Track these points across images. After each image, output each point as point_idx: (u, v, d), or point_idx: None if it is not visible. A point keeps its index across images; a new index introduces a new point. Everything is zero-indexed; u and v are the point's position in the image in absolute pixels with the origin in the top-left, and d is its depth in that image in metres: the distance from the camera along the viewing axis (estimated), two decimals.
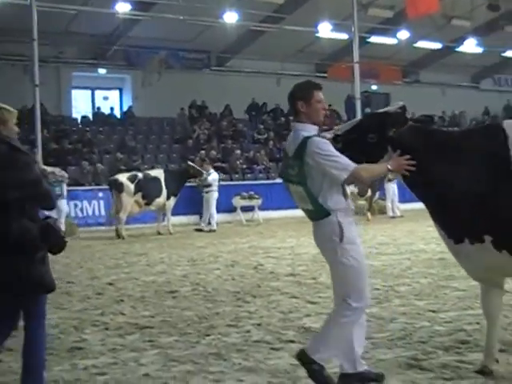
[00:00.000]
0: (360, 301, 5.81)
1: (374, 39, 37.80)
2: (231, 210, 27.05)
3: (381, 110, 6.48)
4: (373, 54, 38.39)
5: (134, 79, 36.28)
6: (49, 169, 20.93)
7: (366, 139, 6.07)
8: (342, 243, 5.75)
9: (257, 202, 27.03)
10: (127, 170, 25.20)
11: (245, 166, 31.84)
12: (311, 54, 39.75)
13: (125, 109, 36.23)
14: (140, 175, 22.28)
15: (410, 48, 39.82)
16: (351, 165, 5.72)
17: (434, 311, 8.77)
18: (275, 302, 9.72)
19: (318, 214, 5.88)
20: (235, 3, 31.58)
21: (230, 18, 32.01)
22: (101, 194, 25.78)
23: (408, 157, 5.87)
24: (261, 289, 10.90)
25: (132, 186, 21.62)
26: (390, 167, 5.87)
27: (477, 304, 8.90)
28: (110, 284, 11.83)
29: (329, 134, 6.19)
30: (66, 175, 22.53)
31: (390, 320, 8.36)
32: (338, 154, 5.77)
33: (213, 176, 23.83)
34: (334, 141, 5.99)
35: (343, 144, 6.00)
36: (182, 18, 30.23)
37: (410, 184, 6.18)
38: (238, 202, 26.84)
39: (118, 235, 21.30)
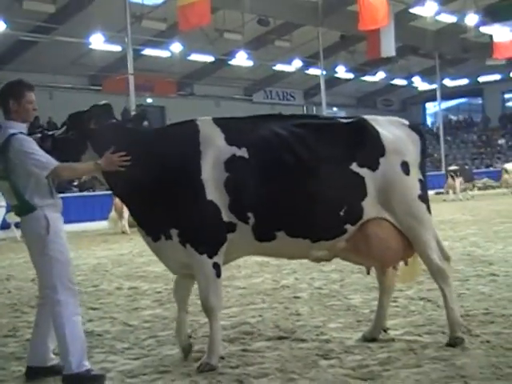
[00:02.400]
0: (66, 290, 5.94)
1: (147, 52, 38.08)
2: (4, 227, 25.97)
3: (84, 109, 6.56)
4: (147, 66, 38.64)
5: None
6: None
7: (68, 137, 6.31)
8: (49, 236, 5.89)
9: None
10: None
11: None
12: (84, 66, 39.27)
13: None
14: None
15: (184, 61, 40.45)
16: (52, 163, 5.88)
17: None
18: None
19: (24, 209, 6.00)
20: (3, 11, 30.37)
21: None
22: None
23: (122, 153, 6.05)
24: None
25: None
26: (100, 164, 6.05)
27: (258, 299, 9.33)
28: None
29: (37, 134, 6.39)
30: None
31: (174, 319, 8.38)
32: (40, 152, 5.90)
33: None
34: (42, 140, 6.20)
35: (52, 143, 6.23)
36: None
37: (114, 187, 6.46)
38: (11, 217, 25.81)
39: None
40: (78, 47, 35.63)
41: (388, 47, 35.27)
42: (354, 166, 6.30)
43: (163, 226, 6.18)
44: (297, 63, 44.98)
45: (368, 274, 7.07)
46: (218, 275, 6.16)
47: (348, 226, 6.30)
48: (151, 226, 6.30)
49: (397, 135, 6.58)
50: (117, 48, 35.20)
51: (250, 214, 6.08)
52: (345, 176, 6.28)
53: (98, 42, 34.48)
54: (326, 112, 44.14)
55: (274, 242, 6.20)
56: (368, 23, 32.12)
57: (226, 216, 6.07)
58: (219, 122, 6.43)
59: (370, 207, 6.34)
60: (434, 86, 53.29)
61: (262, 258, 13.76)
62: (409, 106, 64.53)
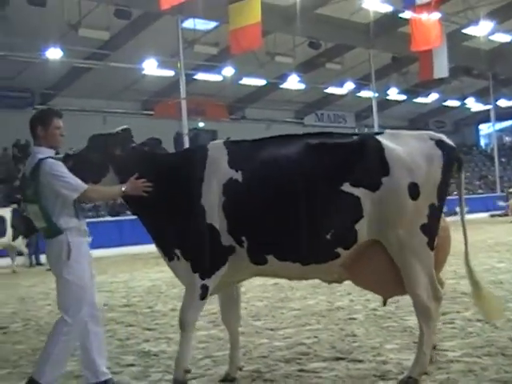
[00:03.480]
0: (75, 315, 6.12)
1: (200, 76, 38.44)
2: None
3: (105, 132, 6.81)
4: (199, 90, 38.96)
5: None
6: None
7: (90, 159, 6.49)
8: (69, 261, 6.12)
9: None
10: None
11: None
12: (137, 91, 39.78)
13: None
14: None
15: (236, 84, 40.76)
16: (82, 186, 6.13)
17: (272, 329, 8.97)
18: (112, 331, 9.55)
19: (51, 232, 6.21)
20: (59, 39, 31.04)
21: (54, 54, 31.43)
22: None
23: (144, 180, 6.26)
24: None
25: None
26: (123, 189, 6.26)
27: (313, 320, 9.30)
28: None
29: (60, 155, 6.70)
30: None
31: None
32: (70, 175, 6.14)
33: None
34: (64, 160, 6.41)
35: (73, 163, 6.42)
36: (2, 53, 29.41)
37: (132, 207, 6.65)
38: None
39: None
40: (132, 73, 36.18)
41: (441, 68, 34.98)
42: (347, 186, 5.95)
43: (170, 246, 6.36)
44: (348, 85, 44.97)
45: (384, 305, 6.90)
46: (203, 297, 6.25)
47: (340, 250, 6.01)
48: (162, 246, 6.49)
49: (411, 153, 6.05)
50: (169, 73, 35.56)
51: (243, 238, 6.11)
52: (335, 197, 5.98)
53: (150, 67, 34.95)
54: None
55: (267, 265, 6.18)
56: (420, 44, 31.95)
57: (226, 239, 6.13)
58: (230, 145, 6.48)
59: (367, 230, 5.98)
60: (487, 107, 52.71)
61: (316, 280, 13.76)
62: (462, 127, 63.88)
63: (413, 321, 8.70)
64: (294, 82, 42.07)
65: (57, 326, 6.19)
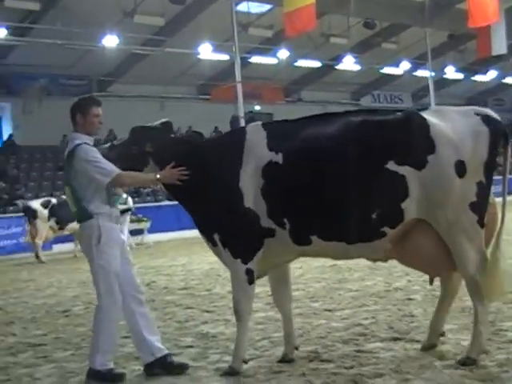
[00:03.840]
0: (108, 298, 6.38)
1: (255, 59, 38.34)
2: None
3: (146, 125, 6.96)
4: (254, 74, 38.83)
5: (14, 107, 35.51)
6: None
7: (131, 150, 6.63)
8: (99, 245, 6.34)
9: (145, 225, 26.75)
10: (11, 199, 24.74)
11: (132, 189, 31.49)
12: (194, 76, 39.88)
13: (5, 137, 35.32)
14: (53, 200, 22.04)
15: (291, 67, 40.59)
16: (115, 171, 6.33)
17: (329, 310, 8.97)
18: (171, 314, 9.69)
19: (82, 216, 6.49)
20: (115, 27, 31.34)
21: (110, 41, 31.76)
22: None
23: (181, 168, 6.32)
24: (155, 303, 10.82)
25: (46, 212, 21.51)
26: (158, 177, 6.40)
27: (371, 301, 9.28)
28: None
29: (106, 144, 7.01)
30: None
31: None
32: (104, 161, 6.34)
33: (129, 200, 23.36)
34: (109, 149, 6.69)
35: (117, 153, 6.62)
36: (60, 42, 29.80)
37: (173, 194, 6.79)
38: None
39: (38, 259, 21.42)
40: (187, 58, 36.32)
41: (499, 44, 34.31)
42: (392, 165, 5.84)
43: (210, 232, 6.42)
44: (404, 65, 44.43)
45: (431, 284, 6.79)
46: (251, 282, 6.30)
47: (386, 229, 5.95)
48: (204, 231, 6.55)
49: (458, 129, 5.89)
50: (224, 57, 35.66)
51: (285, 220, 6.09)
52: (379, 176, 5.88)
53: (206, 51, 35.07)
54: None
55: (311, 245, 6.17)
56: (478, 20, 31.38)
57: (265, 222, 6.14)
58: (268, 126, 6.46)
59: (414, 209, 5.88)
60: None
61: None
62: None
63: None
64: (349, 63, 41.72)
65: (95, 314, 6.52)
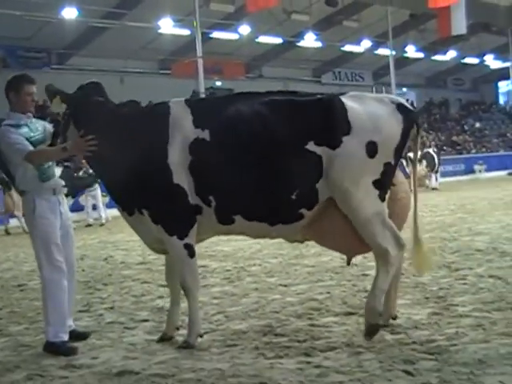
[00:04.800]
0: (50, 269, 6.49)
1: (216, 35, 38.19)
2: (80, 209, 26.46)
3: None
4: (216, 49, 38.72)
5: None
6: None
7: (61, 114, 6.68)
8: (35, 217, 6.50)
9: (104, 200, 26.53)
10: None
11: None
12: (154, 50, 39.62)
13: None
14: None
15: (253, 43, 40.47)
16: (26, 150, 6.38)
17: (285, 285, 9.03)
18: (127, 288, 9.68)
19: (20, 192, 6.74)
20: None
21: (70, 13, 31.44)
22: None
23: (90, 137, 6.17)
24: (112, 277, 10.83)
25: None
26: (66, 148, 6.34)
27: (327, 276, 9.36)
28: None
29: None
30: None
31: (243, 295, 8.54)
32: (18, 141, 6.41)
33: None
34: (53, 126, 6.90)
35: (63, 129, 6.62)
36: (18, 13, 29.35)
37: (91, 167, 6.96)
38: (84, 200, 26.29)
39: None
40: (148, 32, 36.02)
41: (459, 25, 34.64)
42: (311, 145, 5.97)
43: (136, 205, 6.36)
44: (366, 43, 44.57)
45: (348, 265, 6.97)
46: (191, 255, 6.31)
47: (304, 211, 6.07)
48: (125, 203, 6.48)
49: (373, 113, 6.09)
50: (186, 32, 35.49)
51: (211, 198, 6.11)
52: (300, 156, 5.98)
53: (167, 26, 34.86)
54: (395, 93, 43.72)
55: (234, 224, 6.20)
56: (438, 0, 31.61)
57: (193, 199, 6.13)
58: (192, 103, 6.44)
59: (325, 189, 6.02)
60: (506, 64, 52.08)
61: None
62: (481, 84, 63.27)
63: (425, 277, 8.79)
64: (310, 40, 41.71)
65: (41, 286, 6.67)
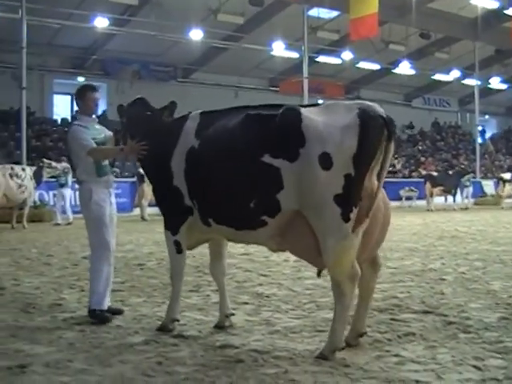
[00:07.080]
0: (100, 249, 6.81)
1: (321, 59, 38.10)
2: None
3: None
4: (319, 71, 38.78)
5: (109, 87, 36.09)
6: (53, 163, 21.07)
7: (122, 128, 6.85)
8: (90, 203, 6.80)
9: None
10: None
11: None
12: (265, 70, 40.02)
13: (100, 113, 35.89)
14: None
15: (353, 68, 40.31)
16: (90, 146, 6.73)
17: None
18: (231, 274, 9.72)
19: (78, 181, 7.11)
20: (200, 22, 31.60)
21: (196, 35, 32.05)
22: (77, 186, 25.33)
23: (143, 143, 6.33)
24: None
25: None
26: (121, 149, 6.64)
27: (407, 278, 9.19)
28: (85, 258, 11.65)
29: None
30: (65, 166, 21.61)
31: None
32: (85, 138, 6.77)
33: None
34: (114, 134, 7.25)
35: (122, 136, 6.80)
36: (153, 33, 30.11)
37: (142, 167, 7.00)
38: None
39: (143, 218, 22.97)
40: (261, 53, 36.36)
41: None
42: (267, 158, 5.36)
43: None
44: (454, 73, 43.71)
45: (318, 276, 5.91)
46: (179, 252, 6.31)
47: (266, 218, 5.48)
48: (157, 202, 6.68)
49: (329, 123, 5.21)
50: (294, 55, 35.61)
51: (195, 201, 6.03)
52: (256, 168, 5.41)
53: (278, 49, 35.00)
54: (478, 119, 42.78)
55: (212, 227, 6.01)
56: None
57: (187, 201, 6.08)
58: (203, 114, 6.24)
59: (289, 200, 5.33)
60: None
61: (413, 243, 13.59)
62: None
63: (497, 285, 8.58)
64: (405, 68, 41.17)
65: (90, 263, 7.00)
